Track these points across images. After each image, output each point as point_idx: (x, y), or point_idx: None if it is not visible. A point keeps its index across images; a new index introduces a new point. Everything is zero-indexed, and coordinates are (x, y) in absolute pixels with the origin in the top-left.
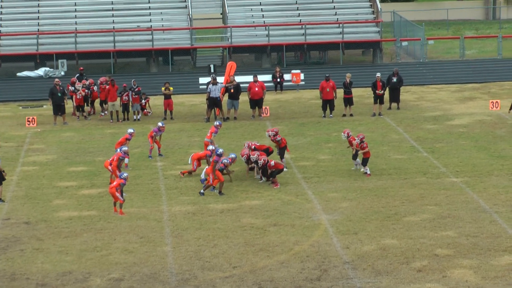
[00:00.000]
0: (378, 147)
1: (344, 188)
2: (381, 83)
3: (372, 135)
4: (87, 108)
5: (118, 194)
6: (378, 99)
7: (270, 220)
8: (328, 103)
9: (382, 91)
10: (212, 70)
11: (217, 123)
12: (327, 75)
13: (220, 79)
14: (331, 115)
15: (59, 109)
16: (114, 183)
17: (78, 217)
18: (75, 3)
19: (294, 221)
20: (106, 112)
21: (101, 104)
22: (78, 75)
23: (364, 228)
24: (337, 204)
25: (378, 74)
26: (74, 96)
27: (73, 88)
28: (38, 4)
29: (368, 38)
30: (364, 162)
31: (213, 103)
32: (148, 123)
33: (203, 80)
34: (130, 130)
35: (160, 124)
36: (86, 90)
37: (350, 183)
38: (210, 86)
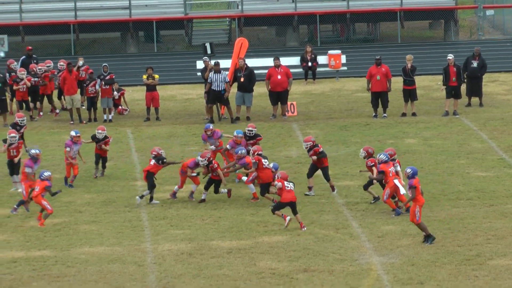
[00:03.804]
0: (453, 161)
1: (404, 218)
2: (455, 69)
3: (444, 143)
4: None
5: (44, 202)
6: (452, 91)
7: (299, 264)
8: (379, 97)
9: (458, 81)
10: (208, 51)
11: (207, 127)
12: (378, 57)
13: (224, 64)
14: (384, 115)
15: None
16: (37, 189)
17: (25, 259)
18: None
19: (332, 266)
20: (57, 110)
21: (59, 97)
22: (24, 57)
23: (433, 276)
24: (395, 241)
25: (451, 56)
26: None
27: (12, 75)
28: None
29: (437, 5)
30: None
31: (216, 98)
32: (124, 125)
33: (201, 64)
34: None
35: (73, 133)
36: (34, 79)
37: None
38: (211, 74)
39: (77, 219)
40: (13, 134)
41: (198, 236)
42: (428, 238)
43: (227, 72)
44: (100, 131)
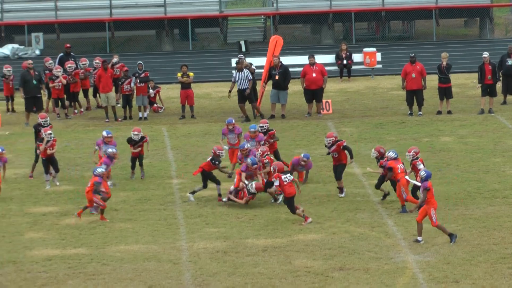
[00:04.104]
0: (489, 159)
1: (439, 217)
2: (491, 67)
3: (479, 141)
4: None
5: (96, 199)
6: (488, 89)
7: (334, 262)
8: (415, 95)
9: (493, 79)
10: (243, 49)
11: (229, 121)
12: (413, 55)
13: (259, 62)
14: (420, 113)
15: (33, 103)
16: (89, 184)
17: (61, 256)
18: None
19: (368, 264)
20: (82, 109)
21: (94, 95)
22: (61, 54)
23: (468, 274)
24: (430, 239)
25: (487, 54)
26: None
27: (46, 73)
28: None
29: (473, 3)
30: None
31: (242, 96)
32: (159, 123)
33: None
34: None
35: (104, 133)
36: (69, 77)
37: (448, 209)
38: (234, 73)
39: (113, 217)
40: (49, 131)
41: (233, 234)
42: (451, 236)
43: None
44: (136, 132)
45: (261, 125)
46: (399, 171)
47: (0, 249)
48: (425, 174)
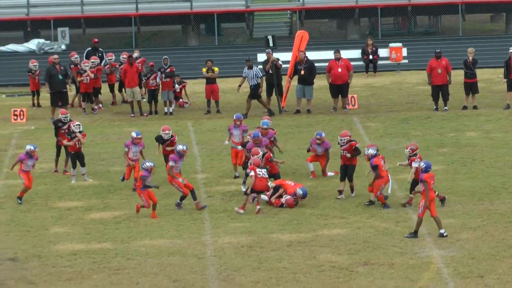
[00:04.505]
0: None
1: (464, 211)
2: None
3: (505, 136)
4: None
5: (144, 197)
6: None
7: (359, 257)
8: (440, 90)
9: None
10: (270, 44)
11: (237, 116)
12: (438, 50)
13: (285, 57)
14: (445, 108)
15: (59, 98)
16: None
17: (86, 251)
18: None
19: (393, 259)
20: (101, 105)
21: (119, 90)
22: (89, 49)
23: (493, 269)
24: (455, 234)
25: None
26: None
27: (72, 67)
28: None
29: None
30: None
31: (252, 93)
32: (184, 118)
33: (263, 57)
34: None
35: (134, 134)
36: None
37: (473, 204)
38: (245, 70)
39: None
40: (77, 123)
41: (258, 229)
42: (414, 234)
43: (259, 67)
44: (166, 131)
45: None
46: (384, 169)
47: (25, 244)
48: (424, 166)
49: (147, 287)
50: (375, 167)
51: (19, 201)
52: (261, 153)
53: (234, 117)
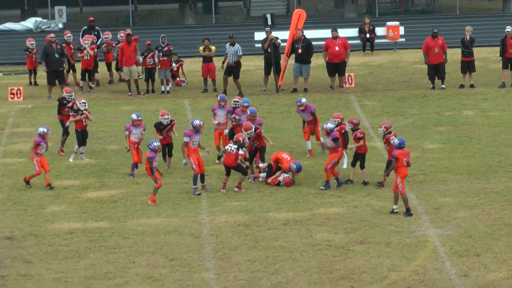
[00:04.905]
0: (511, 132)
1: (461, 190)
2: None
3: (502, 115)
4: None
5: (155, 175)
6: (509, 63)
7: (355, 235)
8: (437, 69)
9: None
10: (269, 22)
11: (221, 97)
12: (436, 30)
13: (282, 35)
14: (442, 86)
15: (55, 77)
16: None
17: (82, 230)
18: None
19: (389, 237)
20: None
21: (117, 68)
22: (85, 27)
23: (489, 248)
24: (451, 213)
25: (510, 28)
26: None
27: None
28: None
29: None
30: (360, 161)
31: (229, 70)
32: (181, 97)
33: (260, 35)
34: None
35: (134, 116)
36: (96, 50)
37: (470, 183)
38: (227, 46)
39: (134, 190)
40: (83, 101)
41: (255, 208)
42: (408, 211)
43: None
44: (166, 116)
45: (235, 100)
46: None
47: (22, 223)
48: (398, 142)
49: (143, 265)
50: (335, 139)
51: (28, 185)
52: (253, 128)
53: (219, 98)
